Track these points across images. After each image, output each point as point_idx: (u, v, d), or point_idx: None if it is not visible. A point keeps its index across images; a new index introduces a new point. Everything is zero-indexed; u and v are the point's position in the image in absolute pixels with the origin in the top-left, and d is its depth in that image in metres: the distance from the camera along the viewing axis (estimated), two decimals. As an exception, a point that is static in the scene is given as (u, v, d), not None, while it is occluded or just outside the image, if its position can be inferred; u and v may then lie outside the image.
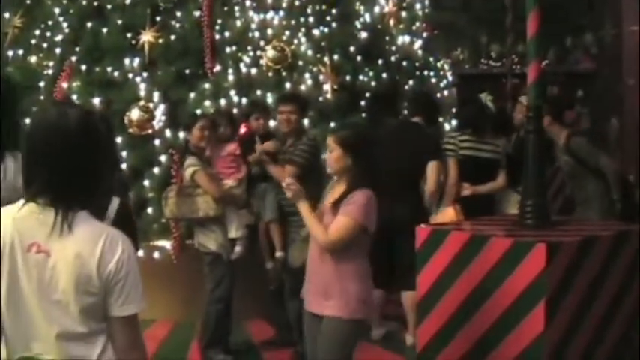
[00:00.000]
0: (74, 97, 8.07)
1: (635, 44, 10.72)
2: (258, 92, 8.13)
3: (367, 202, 4.60)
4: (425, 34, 10.26)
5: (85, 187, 2.68)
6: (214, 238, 6.58)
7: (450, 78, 10.94)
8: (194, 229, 6.82)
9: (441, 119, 8.58)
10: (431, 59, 10.26)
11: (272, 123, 7.35)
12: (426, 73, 9.99)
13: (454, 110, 9.96)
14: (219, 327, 6.60)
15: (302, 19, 8.73)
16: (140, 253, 6.75)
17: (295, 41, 8.51)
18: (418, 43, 9.93)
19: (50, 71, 8.47)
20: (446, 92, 10.22)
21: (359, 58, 8.91)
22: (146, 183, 7.79)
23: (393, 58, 9.46)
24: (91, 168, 2.69)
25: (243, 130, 7.06)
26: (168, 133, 7.96)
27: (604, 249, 5.13)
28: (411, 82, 9.47)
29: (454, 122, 9.26)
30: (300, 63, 8.44)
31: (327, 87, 8.38)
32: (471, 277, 5.01)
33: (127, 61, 8.25)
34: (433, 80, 10.06)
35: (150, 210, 7.75)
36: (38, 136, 2.67)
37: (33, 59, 8.61)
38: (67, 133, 2.63)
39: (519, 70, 15.66)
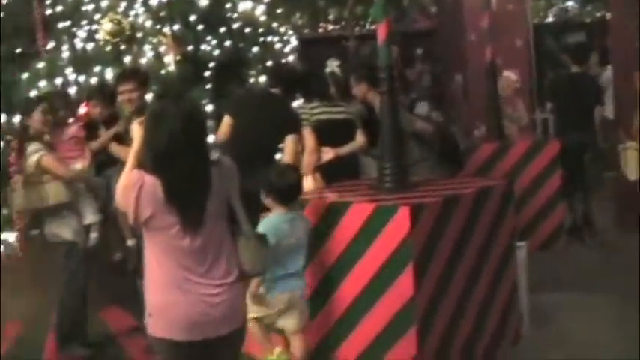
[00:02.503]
0: None
1: (476, 0, 10.85)
2: (97, 69, 7.74)
3: (125, 188, 3.63)
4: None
5: None
6: (68, 226, 6.16)
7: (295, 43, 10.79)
8: (44, 219, 6.36)
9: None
10: (274, 25, 10.07)
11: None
12: (270, 39, 9.79)
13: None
14: (76, 320, 6.24)
15: (138, -11, 8.37)
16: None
17: (132, 12, 8.14)
18: (260, 9, 9.71)
19: None
20: (291, 58, 10.06)
21: (200, 26, 8.64)
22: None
23: (235, 26, 9.22)
24: None
25: (84, 110, 6.69)
26: (3, 117, 7.48)
27: (466, 207, 5.12)
28: (255, 49, 9.25)
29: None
30: (140, 35, 8.10)
31: (169, 59, 8.07)
32: (333, 247, 4.90)
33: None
34: (278, 46, 9.89)
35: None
36: None
37: None
38: None
39: (359, 33, 15.93)
